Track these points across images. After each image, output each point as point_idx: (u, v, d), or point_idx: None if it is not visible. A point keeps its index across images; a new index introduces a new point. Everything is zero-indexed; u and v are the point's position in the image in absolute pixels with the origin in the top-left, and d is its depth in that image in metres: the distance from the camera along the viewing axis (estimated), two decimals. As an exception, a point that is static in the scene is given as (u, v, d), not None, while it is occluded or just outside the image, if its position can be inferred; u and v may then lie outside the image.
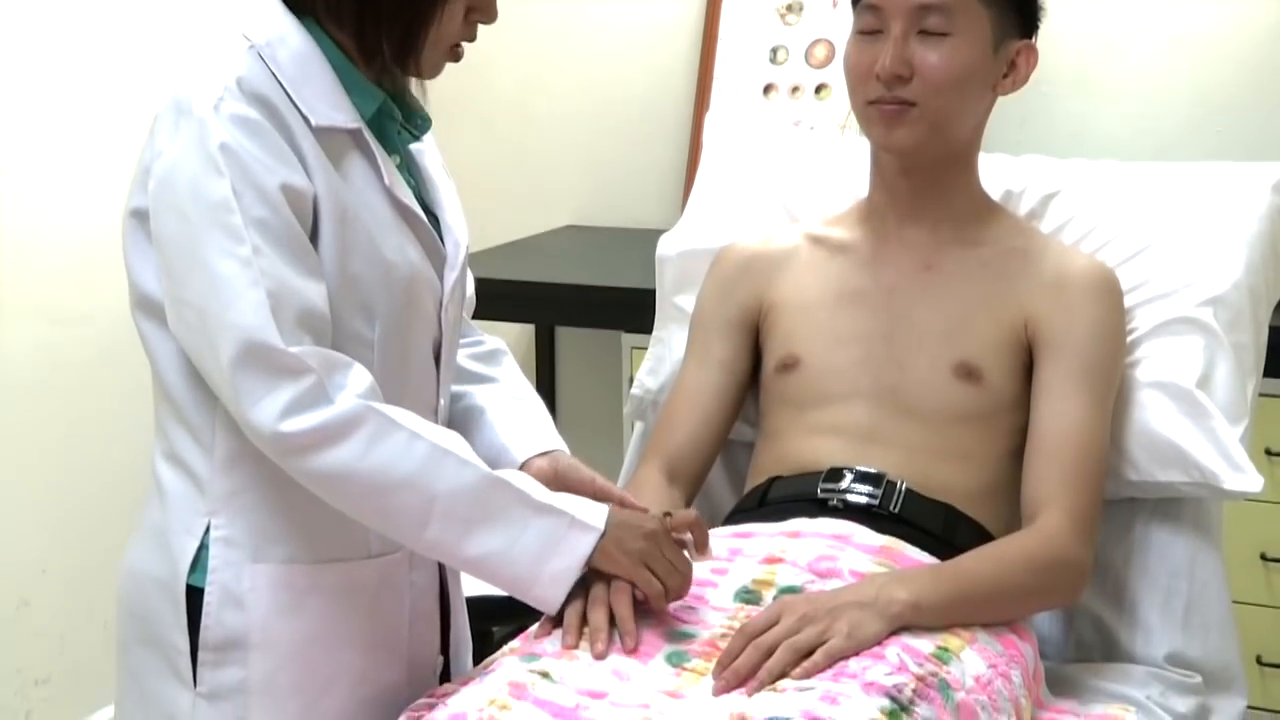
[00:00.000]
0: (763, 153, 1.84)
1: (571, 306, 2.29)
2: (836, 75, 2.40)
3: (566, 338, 2.67)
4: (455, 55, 1.27)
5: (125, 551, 1.32)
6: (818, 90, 2.47)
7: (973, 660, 1.27)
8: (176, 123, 1.20)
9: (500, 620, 1.65)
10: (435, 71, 1.28)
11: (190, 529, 1.26)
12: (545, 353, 2.64)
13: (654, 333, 1.79)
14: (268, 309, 1.16)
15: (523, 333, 2.69)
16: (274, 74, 1.21)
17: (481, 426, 1.39)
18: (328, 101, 1.23)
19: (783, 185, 1.78)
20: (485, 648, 1.55)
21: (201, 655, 1.26)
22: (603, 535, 1.23)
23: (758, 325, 1.59)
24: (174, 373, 1.26)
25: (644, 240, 1.98)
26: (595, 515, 1.24)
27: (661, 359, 1.76)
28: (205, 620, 1.25)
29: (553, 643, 1.27)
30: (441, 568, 1.37)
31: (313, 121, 1.22)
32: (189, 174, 1.19)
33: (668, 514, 1.31)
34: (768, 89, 2.50)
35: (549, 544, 1.21)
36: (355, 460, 1.18)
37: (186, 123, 1.19)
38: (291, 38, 1.23)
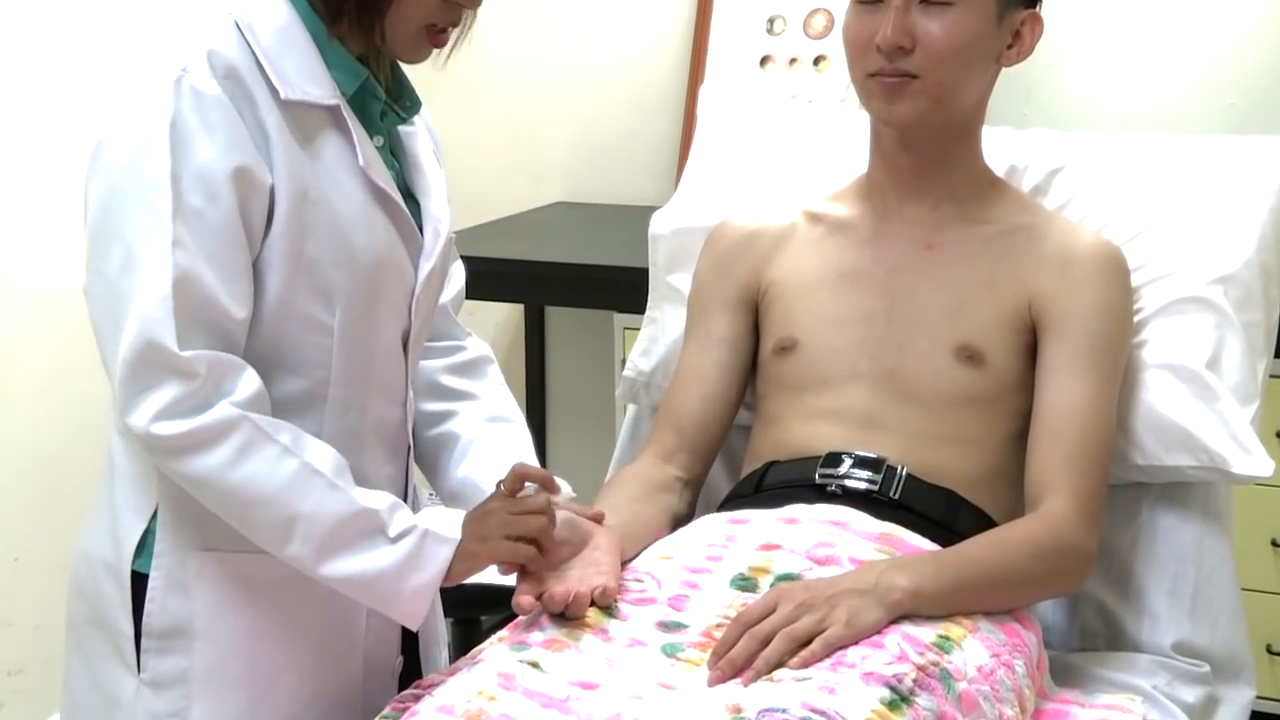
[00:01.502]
0: (759, 127, 1.83)
1: (562, 286, 2.29)
2: (835, 46, 2.39)
3: (557, 318, 2.67)
4: (437, 39, 1.26)
5: (81, 534, 1.33)
6: (816, 62, 2.47)
7: (975, 649, 1.27)
8: (137, 90, 1.20)
9: (488, 609, 1.65)
10: (414, 52, 1.26)
11: (139, 511, 1.27)
12: (535, 333, 2.64)
13: (647, 312, 1.79)
14: (170, 305, 1.17)
15: (512, 313, 2.69)
16: (250, 45, 1.21)
17: (453, 455, 1.40)
18: (304, 75, 1.23)
19: (779, 160, 1.77)
20: (473, 637, 1.55)
21: (145, 642, 1.27)
22: (460, 541, 1.25)
23: (756, 304, 1.59)
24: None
25: (637, 217, 1.98)
26: (450, 525, 1.26)
27: (655, 339, 1.76)
28: (149, 606, 1.26)
29: (543, 632, 1.27)
30: None
31: (282, 94, 1.21)
32: (132, 145, 1.18)
33: (498, 484, 1.31)
34: (764, 61, 2.49)
35: (406, 562, 1.23)
36: (222, 469, 1.19)
37: (145, 92, 1.19)
38: (275, 9, 1.23)
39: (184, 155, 1.17)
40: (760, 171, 1.77)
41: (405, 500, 1.37)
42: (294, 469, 1.20)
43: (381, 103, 1.30)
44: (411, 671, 1.40)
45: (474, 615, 1.86)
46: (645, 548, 1.42)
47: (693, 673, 1.23)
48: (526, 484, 1.31)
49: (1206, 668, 1.51)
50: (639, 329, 1.80)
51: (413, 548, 1.23)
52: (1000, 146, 1.65)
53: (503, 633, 1.33)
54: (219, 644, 1.27)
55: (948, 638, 1.26)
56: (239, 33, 1.21)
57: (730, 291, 1.60)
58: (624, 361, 1.84)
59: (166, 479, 1.25)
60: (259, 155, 1.20)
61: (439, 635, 1.45)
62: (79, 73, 2.17)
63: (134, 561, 1.27)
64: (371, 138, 1.28)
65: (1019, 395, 1.48)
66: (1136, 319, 1.56)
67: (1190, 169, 1.65)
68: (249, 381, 1.21)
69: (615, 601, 1.30)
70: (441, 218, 1.34)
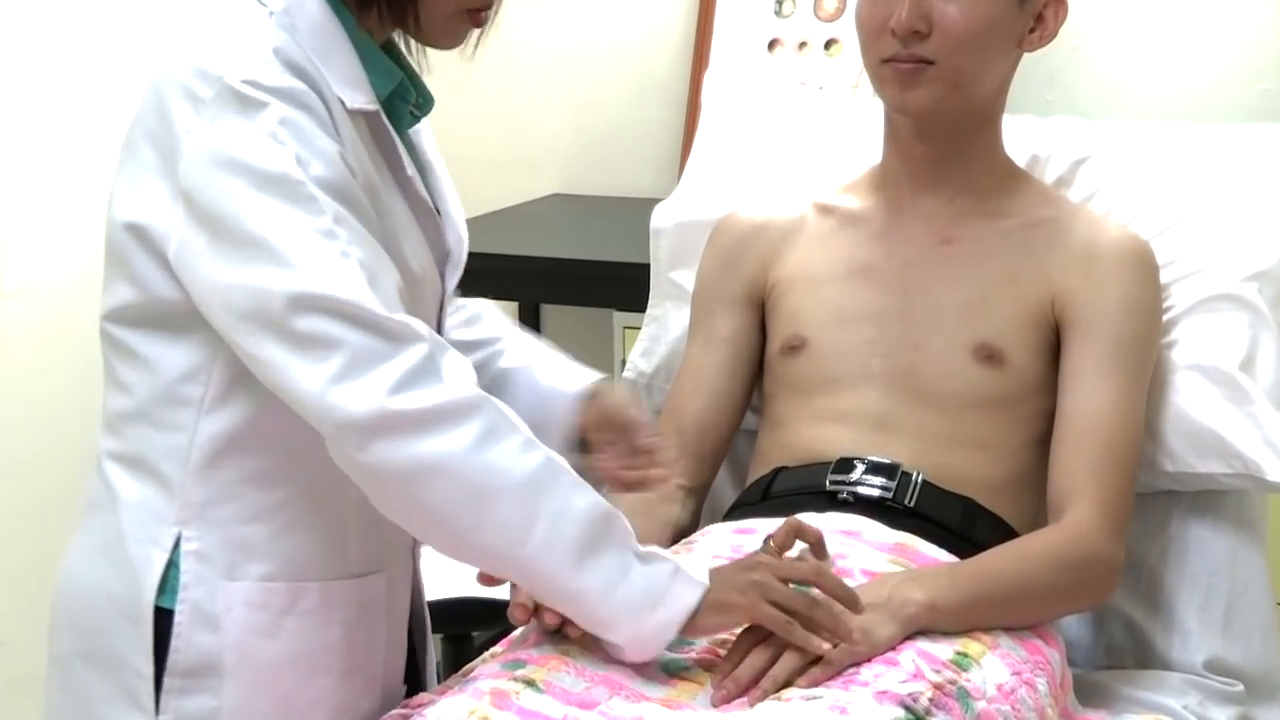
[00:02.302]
0: (766, 114, 1.84)
1: (558, 282, 2.29)
2: (848, 29, 2.39)
3: (553, 316, 2.67)
4: (477, 18, 1.22)
5: (65, 559, 1.30)
6: (827, 46, 2.47)
7: (995, 667, 1.28)
8: (208, 97, 1.16)
9: (480, 623, 1.66)
10: (451, 37, 1.24)
11: (156, 540, 1.24)
12: (530, 332, 2.64)
13: (648, 311, 1.80)
14: (364, 278, 1.13)
15: (505, 310, 2.69)
16: (300, 46, 1.18)
17: (516, 385, 1.38)
18: (350, 79, 1.21)
19: (788, 150, 1.78)
20: (464, 653, 1.56)
21: (168, 681, 1.24)
22: (708, 589, 1.20)
23: (763, 302, 1.59)
24: (156, 368, 1.23)
25: (637, 210, 1.98)
26: (698, 569, 1.22)
27: (656, 339, 1.76)
28: (175, 643, 1.23)
29: (538, 648, 1.28)
30: (415, 590, 1.37)
31: (348, 103, 1.20)
32: (239, 147, 1.15)
33: (768, 539, 1.27)
34: (772, 44, 2.49)
35: (653, 592, 1.18)
36: (465, 453, 1.14)
37: (224, 94, 1.16)
38: (308, 4, 1.20)
39: (301, 142, 1.15)
40: (768, 162, 1.77)
41: None
42: (540, 462, 1.15)
43: (410, 105, 1.28)
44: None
45: (465, 631, 1.86)
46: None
47: (696, 693, 1.23)
48: (797, 543, 1.28)
49: (1240, 687, 1.52)
50: (640, 328, 1.80)
51: (662, 577, 1.18)
52: (1022, 135, 1.65)
53: (496, 649, 1.34)
54: (248, 680, 1.25)
55: (966, 654, 1.26)
56: (286, 33, 1.18)
57: (736, 288, 1.60)
58: (624, 362, 1.84)
59: (189, 504, 1.23)
60: (346, 167, 1.18)
61: (433, 666, 1.44)
62: (47, 69, 2.17)
63: (157, 597, 1.23)
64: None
65: (1041, 397, 1.48)
66: (1166, 317, 1.56)
67: (1223, 159, 1.65)
68: (463, 360, 1.17)
69: None
70: (462, 224, 1.34)
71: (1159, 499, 1.57)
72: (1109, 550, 1.41)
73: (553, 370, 1.41)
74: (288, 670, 1.26)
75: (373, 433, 1.13)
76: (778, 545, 1.27)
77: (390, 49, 1.27)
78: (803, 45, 2.49)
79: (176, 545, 1.24)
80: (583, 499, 1.17)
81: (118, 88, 2.06)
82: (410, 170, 1.25)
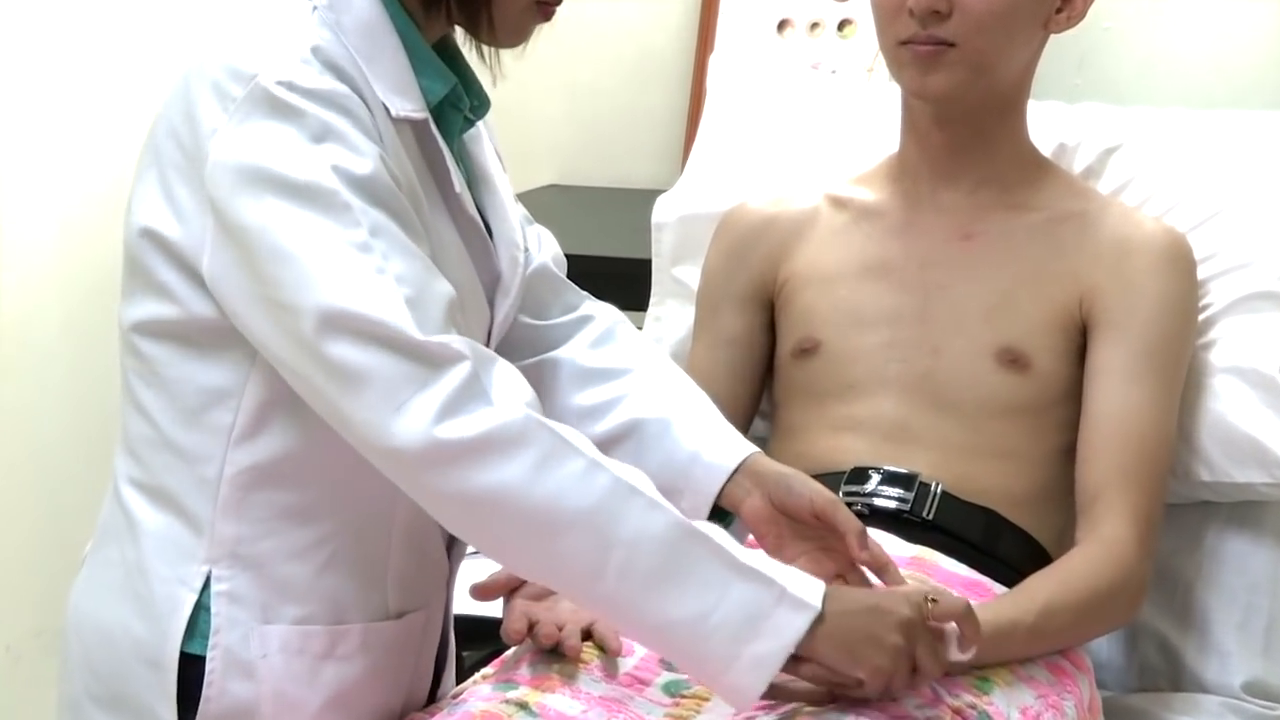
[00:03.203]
0: (776, 100, 1.84)
1: (554, 279, 2.29)
2: (863, 9, 2.39)
3: (549, 316, 2.67)
4: (547, 12, 1.20)
5: (77, 590, 1.27)
6: (840, 27, 2.47)
7: (1018, 689, 1.28)
8: (238, 96, 1.13)
9: (471, 643, 1.66)
10: (521, 34, 1.22)
11: (184, 580, 1.20)
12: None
13: (650, 309, 1.80)
14: (400, 297, 1.09)
15: (498, 310, 2.70)
16: (345, 46, 1.15)
17: (647, 441, 1.28)
18: (398, 83, 1.18)
19: (799, 139, 1.78)
20: (455, 674, 1.56)
21: None
22: (820, 617, 1.11)
23: (773, 301, 1.60)
24: (181, 391, 1.20)
25: (638, 202, 1.98)
26: (811, 589, 1.12)
27: (659, 340, 1.77)
28: (207, 692, 1.20)
29: (532, 669, 1.28)
30: (445, 623, 1.34)
31: (393, 111, 1.17)
32: (269, 150, 1.12)
33: (932, 600, 1.16)
34: (782, 25, 2.50)
35: (753, 618, 1.10)
36: (522, 484, 1.09)
37: (255, 95, 1.13)
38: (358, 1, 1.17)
39: (338, 146, 1.12)
40: (777, 151, 1.78)
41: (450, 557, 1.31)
42: (607, 485, 1.10)
43: (463, 113, 1.25)
44: None
45: (455, 651, 1.86)
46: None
47: (700, 710, 1.23)
48: (951, 623, 1.18)
49: (1281, 711, 1.52)
50: (641, 328, 1.80)
51: (761, 600, 1.09)
52: (1048, 123, 1.66)
53: (487, 670, 1.34)
54: None
55: (986, 678, 1.27)
56: (330, 31, 1.15)
57: (743, 286, 1.60)
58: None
59: (219, 543, 1.20)
60: (387, 171, 1.14)
61: (452, 678, 1.40)
62: (72, 64, 2.17)
63: (185, 642, 1.20)
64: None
65: (1068, 404, 1.49)
66: (1202, 317, 1.57)
67: (1263, 148, 1.66)
68: (517, 375, 1.13)
69: (615, 637, 1.30)
70: (518, 244, 1.29)
71: (1194, 510, 1.57)
72: (1142, 567, 1.41)
73: (702, 428, 1.30)
74: (323, 716, 1.22)
75: (422, 465, 1.10)
76: (938, 615, 1.16)
77: (443, 49, 1.23)
78: (814, 26, 2.49)
79: (206, 586, 1.20)
80: (661, 520, 1.11)
81: (146, 84, 2.04)
82: (459, 186, 1.21)
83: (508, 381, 1.12)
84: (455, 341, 1.11)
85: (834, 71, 2.46)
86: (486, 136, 1.33)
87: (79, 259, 2.13)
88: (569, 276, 1.43)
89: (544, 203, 2.61)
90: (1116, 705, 1.50)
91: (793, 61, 2.46)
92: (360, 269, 1.10)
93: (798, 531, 1.26)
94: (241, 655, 1.20)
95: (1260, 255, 1.59)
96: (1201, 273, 1.56)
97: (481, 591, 1.34)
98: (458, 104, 1.24)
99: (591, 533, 1.10)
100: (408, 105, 1.18)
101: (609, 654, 1.29)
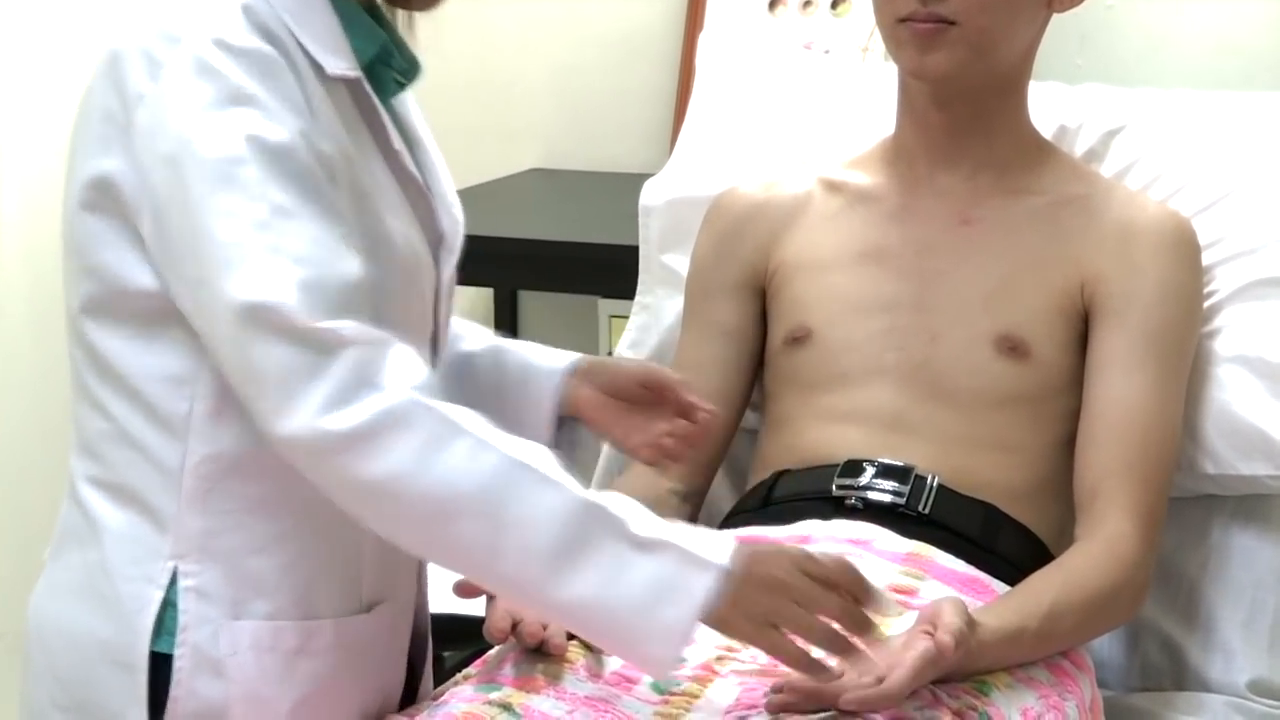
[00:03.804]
0: (768, 80, 1.84)
1: (538, 266, 2.29)
2: (858, -14, 2.40)
3: (532, 304, 2.68)
4: None
5: (37, 597, 1.27)
6: (834, 4, 2.48)
7: (1018, 690, 1.29)
8: (162, 59, 1.16)
9: (453, 643, 1.66)
10: None
11: (150, 578, 1.21)
12: (506, 322, 2.65)
13: (637, 298, 1.80)
14: (293, 281, 1.12)
15: (479, 297, 2.70)
16: (273, 6, 1.18)
17: (476, 366, 1.38)
18: (330, 43, 1.20)
19: (792, 120, 1.79)
20: (436, 675, 1.56)
21: None
22: (728, 572, 1.13)
23: (764, 289, 1.60)
24: (134, 380, 1.21)
25: (625, 186, 1.98)
26: (716, 549, 1.14)
27: (646, 329, 1.77)
28: (175, 691, 1.20)
29: (516, 669, 1.29)
30: (419, 615, 1.36)
31: (328, 69, 1.19)
32: (186, 117, 1.14)
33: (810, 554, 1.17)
34: (774, 3, 2.50)
35: (658, 587, 1.12)
36: (410, 470, 1.11)
37: (178, 57, 1.15)
38: None
39: (257, 115, 1.14)
40: (769, 133, 1.78)
41: None
42: (495, 465, 1.12)
43: (394, 71, 1.28)
44: None
45: (436, 651, 1.87)
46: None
47: (690, 707, 1.24)
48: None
49: (1287, 710, 1.53)
50: (628, 317, 1.81)
51: (665, 566, 1.11)
52: (1049, 104, 1.66)
53: (469, 670, 1.34)
54: None
55: (985, 680, 1.28)
56: None
57: (734, 273, 1.61)
58: (610, 355, 1.84)
59: (184, 538, 1.20)
60: (323, 134, 1.17)
61: (429, 677, 1.41)
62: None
63: (152, 641, 1.21)
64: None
65: (1069, 394, 1.49)
66: (1207, 304, 1.57)
67: (1270, 130, 1.67)
68: (410, 356, 1.15)
69: None
70: (454, 200, 1.33)
71: (1199, 504, 1.58)
72: (1146, 564, 1.42)
73: (528, 350, 1.40)
74: (296, 714, 1.23)
75: (311, 456, 1.13)
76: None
77: (373, 11, 1.27)
78: (807, 4, 2.49)
79: (173, 582, 1.21)
80: (553, 496, 1.13)
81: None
82: (398, 144, 1.25)
83: (398, 364, 1.14)
84: (346, 328, 1.12)
85: (828, 51, 2.46)
86: (416, 106, 1.36)
87: (45, 253, 2.13)
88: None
89: (526, 187, 2.61)
90: (1118, 705, 1.51)
91: (785, 40, 2.46)
92: (257, 250, 1.12)
93: (631, 409, 1.36)
94: (210, 653, 1.21)
95: (1267, 240, 1.60)
96: (1206, 258, 1.56)
97: (464, 589, 1.34)
98: (389, 62, 1.27)
99: (483, 515, 1.12)
100: (342, 64, 1.21)
101: (595, 652, 1.29)
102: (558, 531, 1.12)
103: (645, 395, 1.36)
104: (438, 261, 1.30)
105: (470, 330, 1.44)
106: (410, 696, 1.37)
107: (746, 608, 1.13)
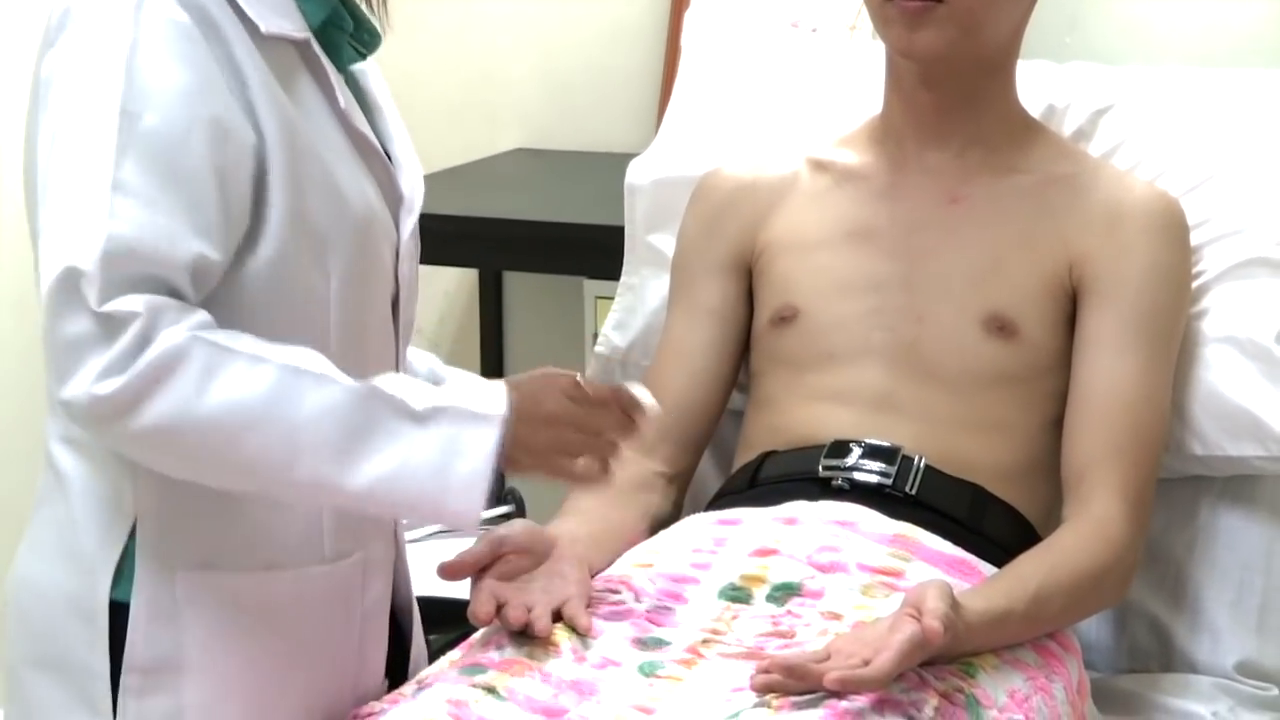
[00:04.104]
0: (755, 59, 1.84)
1: (522, 247, 2.29)
2: (846, -37, 2.39)
3: (516, 285, 2.67)
4: None
5: (16, 559, 1.31)
6: (823, -18, 2.47)
7: (1005, 672, 1.30)
8: (80, 19, 1.19)
9: (437, 625, 1.66)
10: None
11: (109, 530, 1.25)
12: (491, 304, 2.65)
13: (623, 279, 1.80)
14: (98, 256, 1.15)
15: (463, 279, 2.69)
16: None
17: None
18: (274, 4, 1.23)
19: (779, 99, 1.78)
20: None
21: (125, 681, 1.25)
22: (509, 420, 1.21)
23: (751, 268, 1.60)
24: None
25: (610, 166, 1.98)
26: (492, 400, 1.22)
27: (632, 310, 1.77)
28: (131, 637, 1.24)
29: (500, 652, 1.29)
30: (396, 576, 1.38)
31: (262, 28, 1.22)
32: (78, 71, 1.18)
33: (579, 379, 1.27)
34: (762, -20, 2.49)
35: (446, 449, 1.19)
36: (189, 402, 1.15)
37: (94, 18, 1.19)
38: None
39: (142, 88, 1.17)
40: (756, 112, 1.78)
41: None
42: (273, 375, 1.17)
43: (348, 35, 1.31)
44: None
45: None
46: (618, 559, 1.43)
47: (674, 689, 1.25)
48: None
49: (1275, 691, 1.54)
50: (613, 298, 1.81)
51: (448, 430, 1.19)
52: (1037, 83, 1.66)
53: (454, 653, 1.35)
54: (211, 678, 1.26)
55: (972, 661, 1.28)
56: None
57: (721, 253, 1.61)
58: (596, 336, 1.84)
59: (143, 486, 1.24)
60: (237, 105, 1.20)
61: (422, 659, 1.44)
62: None
63: (112, 590, 1.25)
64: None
65: (1057, 374, 1.50)
66: (1196, 284, 1.58)
67: (1260, 109, 1.67)
68: (198, 315, 1.18)
69: (585, 616, 1.31)
70: (415, 166, 1.37)
71: (1187, 485, 1.58)
72: (1134, 546, 1.43)
73: (460, 377, 1.44)
74: (254, 667, 1.27)
75: (91, 421, 1.17)
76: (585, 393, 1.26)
77: None
78: (795, -19, 2.48)
79: (132, 534, 1.25)
80: (332, 391, 1.18)
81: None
82: (344, 102, 1.27)
83: (179, 318, 1.17)
84: (137, 303, 1.15)
85: (815, 29, 2.46)
86: (379, 76, 1.39)
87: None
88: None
89: (510, 167, 2.61)
90: (1105, 687, 1.52)
91: (772, 18, 2.45)
92: (82, 221, 1.16)
93: None
94: (165, 602, 1.25)
95: (1256, 220, 1.60)
96: (1195, 238, 1.57)
97: (448, 571, 1.35)
98: (341, 26, 1.30)
99: (273, 424, 1.17)
100: (286, 25, 1.24)
101: (580, 635, 1.30)
102: (344, 423, 1.17)
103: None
104: (397, 222, 1.33)
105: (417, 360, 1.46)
106: (401, 664, 1.39)
107: (530, 445, 1.22)
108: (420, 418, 1.19)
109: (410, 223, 1.34)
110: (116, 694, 1.25)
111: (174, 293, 1.18)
